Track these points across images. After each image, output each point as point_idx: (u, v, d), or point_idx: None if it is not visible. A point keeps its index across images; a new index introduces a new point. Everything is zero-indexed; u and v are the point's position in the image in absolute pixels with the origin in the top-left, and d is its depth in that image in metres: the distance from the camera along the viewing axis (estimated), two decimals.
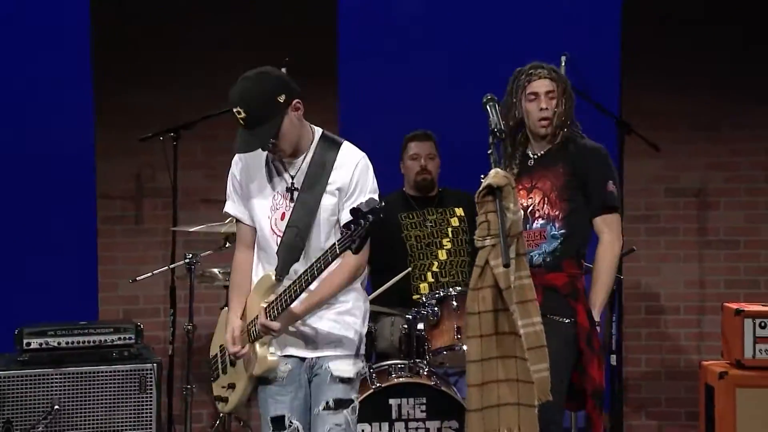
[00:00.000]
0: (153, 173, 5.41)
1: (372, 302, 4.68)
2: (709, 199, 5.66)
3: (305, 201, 3.19)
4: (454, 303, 4.33)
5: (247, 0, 5.58)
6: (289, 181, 3.24)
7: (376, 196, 3.17)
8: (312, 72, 5.50)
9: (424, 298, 4.50)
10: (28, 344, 4.48)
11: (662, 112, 5.60)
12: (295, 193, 3.22)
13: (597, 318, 3.68)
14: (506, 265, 3.10)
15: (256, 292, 3.25)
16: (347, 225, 2.92)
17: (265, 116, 3.12)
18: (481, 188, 3.23)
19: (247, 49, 5.51)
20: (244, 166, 3.33)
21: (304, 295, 3.17)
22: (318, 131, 3.30)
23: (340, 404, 3.24)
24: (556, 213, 3.70)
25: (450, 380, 4.51)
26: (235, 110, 3.13)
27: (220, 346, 3.50)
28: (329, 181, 3.21)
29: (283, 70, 4.80)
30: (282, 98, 3.14)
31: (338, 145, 3.27)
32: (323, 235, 3.20)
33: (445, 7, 5.61)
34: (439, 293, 4.45)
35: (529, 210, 3.73)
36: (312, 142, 3.26)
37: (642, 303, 5.66)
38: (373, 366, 4.37)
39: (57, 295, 5.26)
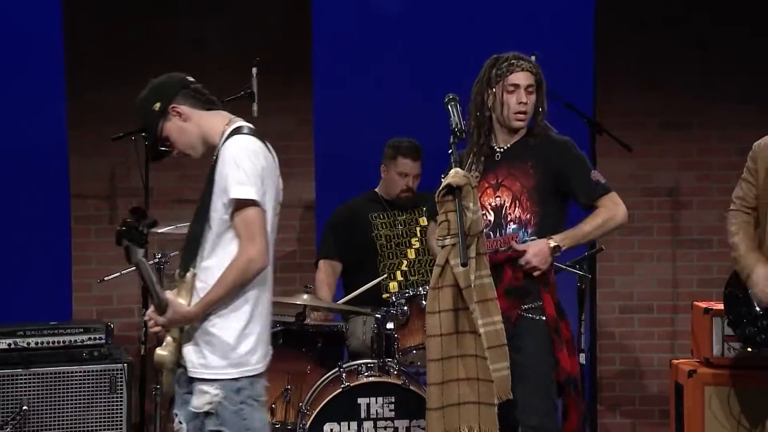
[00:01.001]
0: (127, 173, 5.41)
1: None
2: (682, 198, 5.70)
3: (203, 197, 3.17)
4: (423, 302, 4.32)
5: None
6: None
7: (239, 189, 3.04)
8: (286, 71, 5.55)
9: (393, 298, 4.51)
10: None
11: (635, 111, 5.63)
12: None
13: (561, 243, 3.59)
14: (464, 265, 3.12)
15: None
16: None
17: (147, 125, 3.22)
18: (441, 188, 3.25)
19: (220, 48, 5.54)
20: None
21: (202, 294, 3.10)
22: (233, 125, 3.19)
23: None
24: (528, 217, 3.65)
25: (420, 380, 4.52)
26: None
27: None
28: (216, 177, 3.12)
29: (254, 69, 4.88)
30: (157, 106, 3.18)
31: (226, 142, 3.15)
32: (215, 233, 3.10)
33: (419, 8, 5.61)
34: (408, 293, 4.47)
35: (501, 213, 3.65)
36: (222, 137, 3.17)
37: (616, 302, 5.69)
38: (343, 365, 4.38)
39: (31, 296, 5.26)
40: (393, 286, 4.79)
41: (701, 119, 5.69)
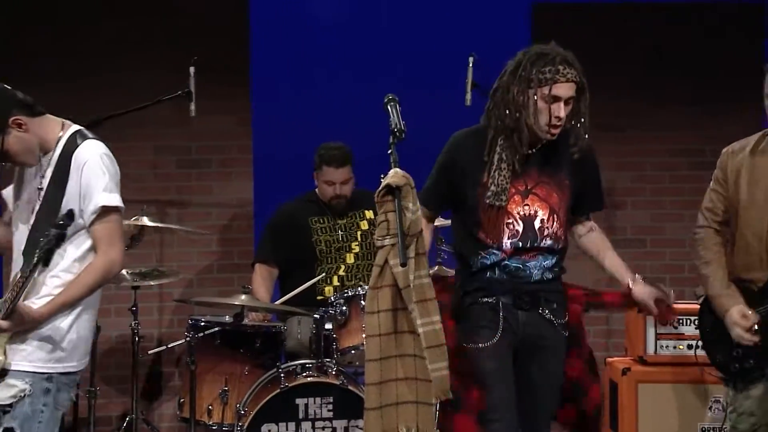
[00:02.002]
0: None
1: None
2: (616, 198, 5.74)
3: (49, 203, 3.18)
4: (362, 302, 4.32)
5: None
6: (39, 181, 3.23)
7: (107, 196, 3.15)
8: (225, 71, 5.49)
9: (332, 298, 4.52)
10: None
11: None
12: (41, 193, 3.21)
13: (633, 277, 3.55)
14: (403, 265, 3.10)
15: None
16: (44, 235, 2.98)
17: None
18: (380, 188, 3.21)
19: (155, 48, 5.45)
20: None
21: (51, 296, 3.13)
22: (71, 129, 3.24)
23: None
24: (561, 231, 3.44)
25: (358, 380, 4.50)
26: None
27: None
28: (68, 183, 3.17)
29: (192, 69, 4.84)
30: None
31: (77, 146, 3.20)
32: (65, 238, 3.13)
33: (357, 10, 5.62)
34: (347, 293, 4.48)
35: (533, 224, 3.39)
36: (60, 140, 3.21)
37: None
38: (281, 366, 4.37)
39: None
40: (329, 290, 4.77)
41: (635, 121, 5.75)
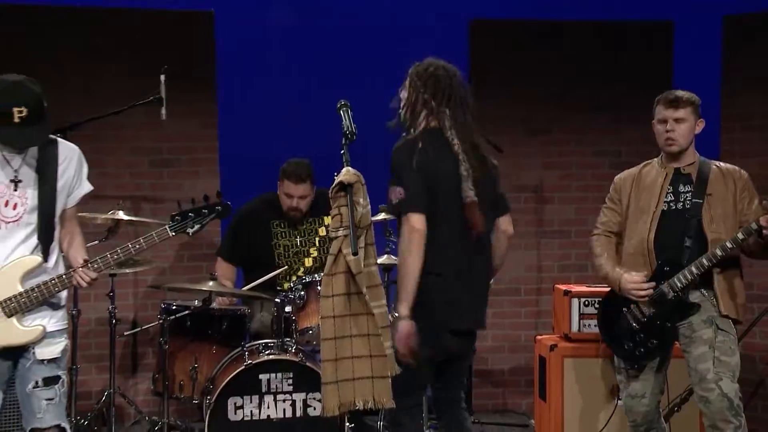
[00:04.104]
0: None
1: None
2: (545, 194, 5.85)
3: (44, 191, 3.33)
4: (319, 287, 4.41)
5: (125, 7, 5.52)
6: (12, 173, 3.31)
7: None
8: (191, 78, 5.47)
9: (292, 284, 4.60)
10: None
11: (504, 117, 5.75)
12: (20, 185, 3.31)
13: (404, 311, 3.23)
14: (354, 254, 3.16)
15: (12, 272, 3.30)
16: (184, 213, 3.44)
17: (43, 114, 3.25)
18: (333, 185, 3.28)
19: (124, 56, 5.45)
20: None
21: None
22: None
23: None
24: None
25: (316, 357, 4.59)
26: (16, 109, 3.18)
27: None
28: (58, 172, 3.36)
29: (162, 77, 4.87)
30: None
31: (54, 141, 3.39)
32: (58, 220, 3.41)
33: (316, 19, 5.70)
34: (305, 279, 4.56)
35: None
36: None
37: None
38: (246, 345, 4.44)
39: None
40: (287, 286, 4.77)
41: (560, 126, 5.86)
